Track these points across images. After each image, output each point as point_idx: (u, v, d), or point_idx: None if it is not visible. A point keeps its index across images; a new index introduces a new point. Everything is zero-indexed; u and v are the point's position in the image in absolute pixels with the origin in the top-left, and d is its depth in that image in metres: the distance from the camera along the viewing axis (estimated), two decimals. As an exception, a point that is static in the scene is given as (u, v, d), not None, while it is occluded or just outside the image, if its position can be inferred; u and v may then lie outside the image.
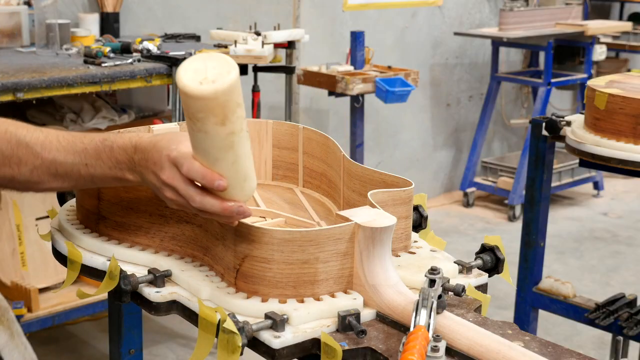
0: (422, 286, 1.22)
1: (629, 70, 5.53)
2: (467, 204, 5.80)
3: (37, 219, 3.40)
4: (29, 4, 3.64)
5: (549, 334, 3.84)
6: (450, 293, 1.29)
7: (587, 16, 6.06)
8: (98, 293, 1.40)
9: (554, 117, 2.71)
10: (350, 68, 4.40)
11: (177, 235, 1.41)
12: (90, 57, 3.21)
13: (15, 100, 2.86)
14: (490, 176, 5.77)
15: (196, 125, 1.17)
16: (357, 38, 4.41)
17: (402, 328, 1.24)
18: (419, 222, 1.58)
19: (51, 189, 1.41)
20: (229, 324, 1.15)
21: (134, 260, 1.42)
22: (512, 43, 5.56)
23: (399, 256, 1.45)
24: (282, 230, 1.24)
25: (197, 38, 4.07)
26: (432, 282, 1.23)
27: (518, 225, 5.00)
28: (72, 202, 1.63)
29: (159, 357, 3.61)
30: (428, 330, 1.16)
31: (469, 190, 5.78)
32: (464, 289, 1.28)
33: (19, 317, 3.03)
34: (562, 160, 5.65)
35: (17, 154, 1.35)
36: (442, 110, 5.94)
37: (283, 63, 4.05)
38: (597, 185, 6.09)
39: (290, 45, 3.99)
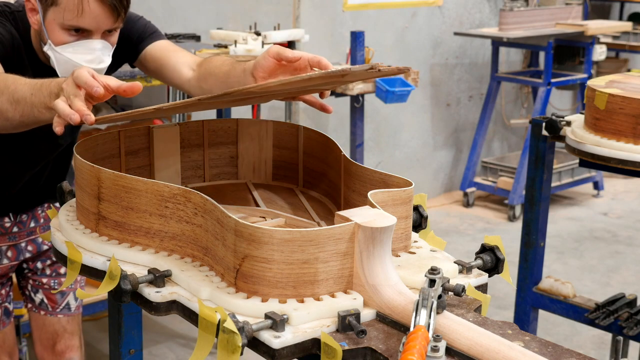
0: (422, 286, 1.22)
1: (629, 70, 5.53)
2: (467, 204, 5.80)
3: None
4: (29, 4, 3.63)
5: (549, 334, 3.84)
6: (450, 293, 1.29)
7: (587, 16, 6.06)
8: (98, 293, 1.40)
9: (554, 117, 2.71)
10: (350, 68, 4.39)
11: (177, 235, 1.41)
12: (90, 57, 3.20)
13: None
14: (490, 176, 5.77)
15: None
16: (357, 38, 4.41)
17: (402, 328, 1.24)
18: (419, 222, 1.58)
19: (6, 120, 1.61)
20: (229, 324, 1.15)
21: (134, 260, 1.42)
22: (512, 43, 5.56)
23: (399, 256, 1.45)
24: (282, 230, 1.24)
25: (197, 38, 4.07)
26: (432, 282, 1.23)
27: (518, 225, 5.00)
28: (72, 202, 1.63)
29: (159, 357, 3.61)
30: (428, 330, 1.16)
31: (469, 190, 5.78)
32: (464, 289, 1.28)
33: (19, 317, 3.02)
34: (562, 160, 5.65)
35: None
36: (442, 110, 5.94)
37: (283, 63, 4.04)
38: (597, 185, 6.09)
39: (290, 45, 3.99)
